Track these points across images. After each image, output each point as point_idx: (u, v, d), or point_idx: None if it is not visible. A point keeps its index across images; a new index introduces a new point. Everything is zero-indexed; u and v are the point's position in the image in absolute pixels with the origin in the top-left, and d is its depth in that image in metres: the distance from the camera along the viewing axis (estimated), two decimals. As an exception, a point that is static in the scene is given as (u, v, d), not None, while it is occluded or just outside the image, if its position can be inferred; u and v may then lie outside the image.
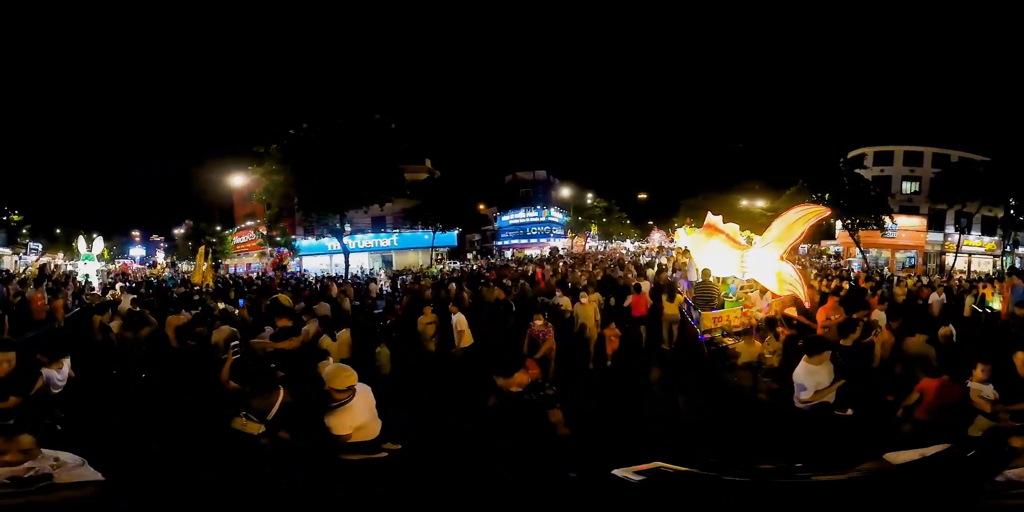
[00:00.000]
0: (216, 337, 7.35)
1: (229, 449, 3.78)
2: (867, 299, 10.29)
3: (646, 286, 12.02)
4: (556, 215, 47.10)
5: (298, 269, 31.93)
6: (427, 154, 41.48)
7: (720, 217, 11.90)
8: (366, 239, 37.71)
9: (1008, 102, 71.81)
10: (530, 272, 18.78)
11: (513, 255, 38.73)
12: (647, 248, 37.45)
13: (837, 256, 38.41)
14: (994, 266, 36.42)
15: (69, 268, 19.40)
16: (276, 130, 23.65)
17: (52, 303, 10.36)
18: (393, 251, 38.26)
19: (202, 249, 20.00)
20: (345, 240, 26.78)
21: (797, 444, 4.83)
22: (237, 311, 9.97)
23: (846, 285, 13.61)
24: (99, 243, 22.25)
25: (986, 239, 38.25)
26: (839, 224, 33.83)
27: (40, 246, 38.36)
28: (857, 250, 33.24)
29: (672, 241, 34.74)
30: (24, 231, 39.30)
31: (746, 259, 9.50)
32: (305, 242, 33.33)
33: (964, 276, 27.04)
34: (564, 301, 11.20)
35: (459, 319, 8.88)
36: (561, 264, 21.90)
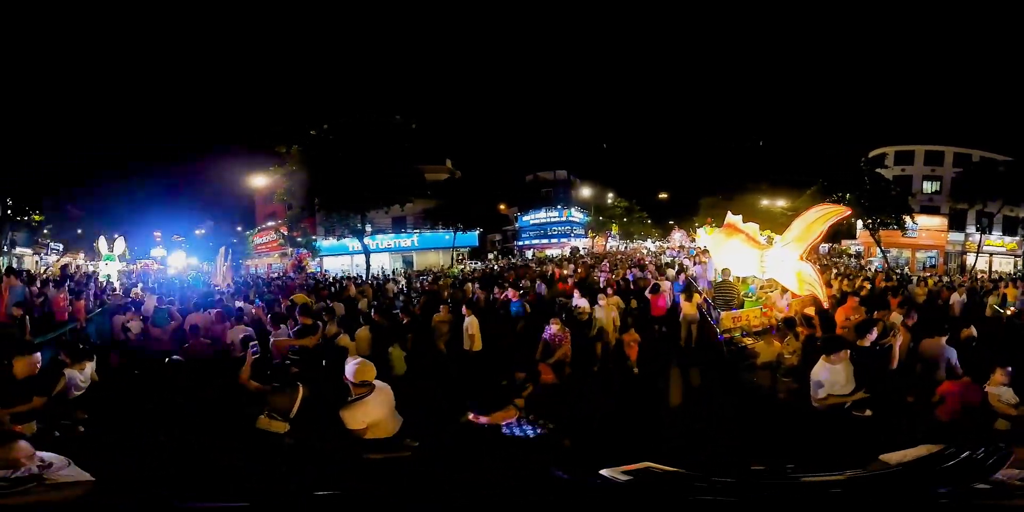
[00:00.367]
0: (231, 336, 7.38)
1: (251, 447, 3.88)
2: (888, 299, 10.27)
3: (665, 286, 11.95)
4: (577, 215, 46.60)
5: (318, 269, 32.12)
6: (447, 154, 41.42)
7: (740, 216, 11.94)
8: (387, 239, 37.53)
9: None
10: (549, 272, 18.55)
11: (534, 255, 38.47)
12: (668, 247, 37.11)
13: (858, 256, 37.95)
14: (1015, 266, 35.97)
15: (90, 269, 19.57)
16: (297, 130, 23.74)
17: (74, 304, 10.28)
18: (414, 251, 38.09)
19: (222, 250, 20.24)
20: (366, 240, 26.83)
21: (813, 445, 4.72)
22: (254, 310, 10.02)
23: (867, 285, 13.46)
24: (120, 243, 22.16)
25: (1007, 239, 37.65)
26: (860, 224, 33.47)
27: (61, 246, 38.22)
28: (878, 250, 32.87)
29: (693, 241, 34.53)
30: (45, 231, 39.77)
31: (766, 259, 9.54)
32: (326, 243, 33.39)
33: (986, 276, 26.66)
34: (582, 303, 10.75)
35: (471, 322, 8.68)
36: (581, 264, 21.62)
